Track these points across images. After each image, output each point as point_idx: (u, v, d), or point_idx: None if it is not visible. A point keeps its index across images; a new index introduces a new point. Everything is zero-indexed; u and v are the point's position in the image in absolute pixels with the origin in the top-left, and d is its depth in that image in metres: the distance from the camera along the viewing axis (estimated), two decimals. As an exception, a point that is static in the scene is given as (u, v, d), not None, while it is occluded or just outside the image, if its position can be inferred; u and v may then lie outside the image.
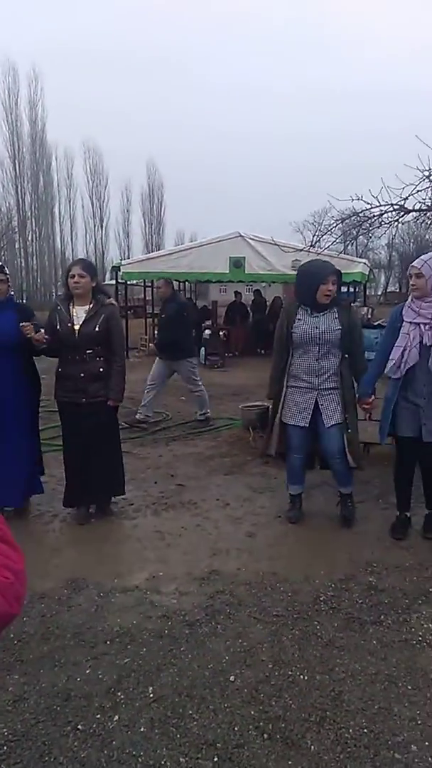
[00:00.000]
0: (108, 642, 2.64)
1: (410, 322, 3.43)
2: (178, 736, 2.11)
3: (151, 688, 2.35)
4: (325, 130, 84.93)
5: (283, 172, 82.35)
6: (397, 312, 3.57)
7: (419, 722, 2.16)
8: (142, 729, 2.14)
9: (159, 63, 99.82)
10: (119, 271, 12.95)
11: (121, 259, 15.21)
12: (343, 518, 3.91)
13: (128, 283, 14.50)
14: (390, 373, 3.48)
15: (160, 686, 2.36)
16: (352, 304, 4.30)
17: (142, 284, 17.43)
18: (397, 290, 36.51)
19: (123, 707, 2.25)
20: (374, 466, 4.61)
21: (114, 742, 2.08)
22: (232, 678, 2.40)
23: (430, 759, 2.00)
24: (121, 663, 2.50)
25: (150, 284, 17.86)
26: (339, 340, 3.65)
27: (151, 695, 2.31)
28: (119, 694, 2.32)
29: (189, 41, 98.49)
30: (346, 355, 3.72)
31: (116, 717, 2.20)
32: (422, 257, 3.47)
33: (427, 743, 2.07)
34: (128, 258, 19.61)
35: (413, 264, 3.45)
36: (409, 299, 3.54)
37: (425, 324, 3.38)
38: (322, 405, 3.69)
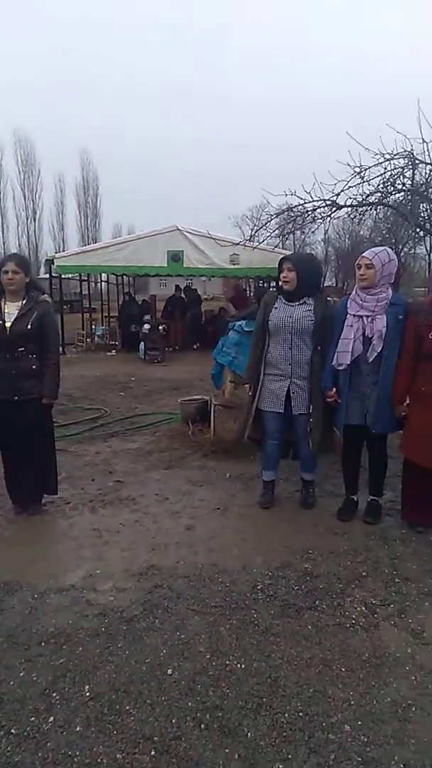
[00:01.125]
0: (42, 643, 2.58)
1: (354, 315, 3.53)
2: (115, 732, 2.09)
3: (87, 687, 2.31)
4: (263, 129, 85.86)
5: (221, 167, 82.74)
6: (342, 305, 3.68)
7: (352, 703, 2.22)
8: (78, 728, 2.11)
9: (96, 53, 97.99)
10: (53, 264, 12.64)
11: (55, 252, 14.79)
12: (302, 504, 4.08)
13: (63, 276, 14.16)
14: (337, 366, 3.59)
15: (96, 684, 2.33)
16: (327, 298, 4.36)
17: (78, 278, 17.10)
18: (333, 284, 37.29)
19: (58, 708, 2.21)
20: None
21: (49, 744, 2.04)
22: (169, 671, 2.40)
23: (362, 738, 2.06)
24: (56, 663, 2.45)
25: (86, 278, 17.58)
26: (311, 330, 3.72)
27: (88, 694, 2.28)
28: (54, 695, 2.27)
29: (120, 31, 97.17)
30: (319, 347, 3.77)
31: (51, 718, 2.15)
32: (373, 249, 3.58)
33: (359, 722, 2.13)
34: (64, 251, 19.25)
35: (364, 255, 3.54)
36: (354, 291, 3.64)
37: (368, 316, 3.49)
38: (293, 393, 3.81)
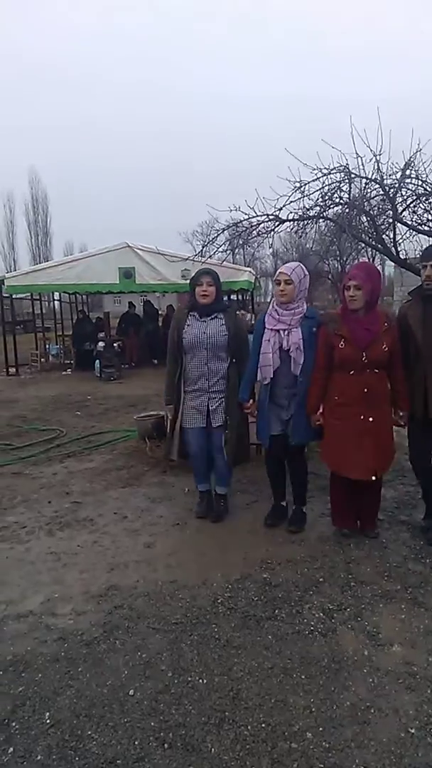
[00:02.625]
0: (0, 672, 2.53)
1: (271, 329, 3.64)
2: (77, 759, 2.06)
3: (47, 714, 2.28)
4: (209, 140, 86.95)
5: (173, 181, 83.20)
6: (261, 320, 3.76)
7: (313, 710, 2.26)
8: (39, 757, 2.07)
9: (41, 69, 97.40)
10: (3, 284, 12.45)
11: (6, 272, 14.57)
12: (213, 516, 4.13)
13: (14, 297, 13.94)
14: (262, 380, 3.70)
15: (57, 711, 2.29)
16: (237, 312, 4.43)
17: (30, 298, 16.86)
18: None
19: (18, 738, 2.17)
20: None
21: (9, 776, 2.00)
22: (131, 692, 2.38)
23: (324, 744, 2.09)
24: (15, 692, 2.40)
25: (38, 297, 17.36)
26: (226, 344, 3.80)
27: (48, 721, 2.24)
28: (13, 724, 2.23)
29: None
30: (234, 360, 3.87)
31: (11, 749, 2.11)
32: (289, 265, 3.66)
33: (321, 729, 2.17)
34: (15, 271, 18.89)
35: (281, 270, 3.62)
36: (271, 306, 3.73)
37: (284, 330, 3.60)
38: (212, 407, 3.89)
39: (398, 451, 3.84)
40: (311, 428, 3.68)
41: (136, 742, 2.12)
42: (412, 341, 3.48)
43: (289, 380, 3.65)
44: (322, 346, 3.54)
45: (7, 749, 2.11)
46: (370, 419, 3.43)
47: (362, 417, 3.44)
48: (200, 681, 2.43)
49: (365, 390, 3.42)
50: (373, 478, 3.53)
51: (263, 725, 2.19)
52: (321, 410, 3.61)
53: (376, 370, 3.44)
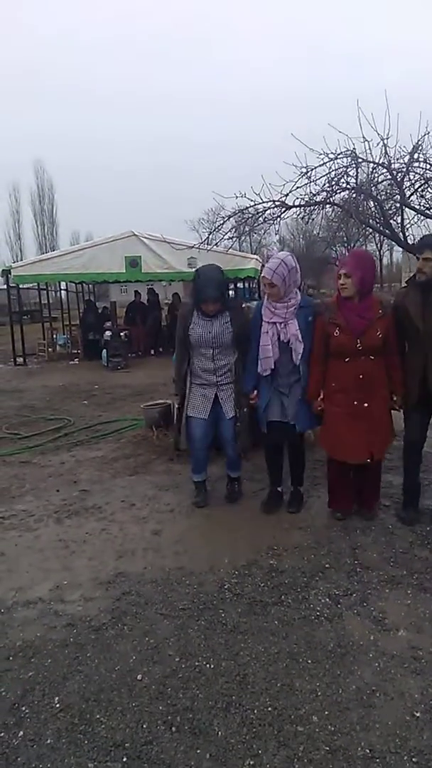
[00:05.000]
0: (10, 658, 2.56)
1: (268, 322, 3.68)
2: (86, 742, 2.09)
3: (57, 699, 2.31)
4: (215, 132, 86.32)
5: (177, 173, 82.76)
6: (258, 310, 3.80)
7: (319, 693, 2.28)
8: (48, 741, 2.10)
9: (46, 66, 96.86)
10: (10, 275, 12.46)
11: (13, 262, 14.58)
12: (228, 497, 4.27)
13: (21, 287, 13.96)
14: (262, 372, 3.73)
15: (66, 695, 2.33)
16: (243, 305, 4.45)
17: (37, 288, 16.87)
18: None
19: (28, 722, 2.20)
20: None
21: (19, 759, 2.03)
22: (139, 677, 2.41)
23: (329, 727, 2.11)
24: (25, 677, 2.44)
25: (45, 287, 17.37)
26: (231, 341, 3.85)
27: (58, 705, 2.28)
28: (23, 708, 2.26)
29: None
30: (240, 354, 3.91)
31: (21, 733, 2.14)
32: (269, 267, 3.65)
33: (326, 712, 2.18)
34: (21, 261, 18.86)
35: (263, 275, 3.67)
36: (265, 299, 3.76)
37: (280, 323, 3.65)
38: (222, 399, 3.94)
39: (400, 436, 3.84)
40: (314, 415, 3.75)
41: (144, 726, 2.15)
42: (411, 328, 3.50)
43: (290, 369, 3.72)
44: (319, 334, 3.59)
45: (17, 733, 2.14)
46: (365, 404, 3.50)
47: (357, 403, 3.51)
48: (207, 666, 2.45)
49: (360, 376, 3.48)
50: (368, 461, 3.61)
51: (269, 709, 2.21)
52: (321, 396, 3.66)
53: (371, 357, 3.48)
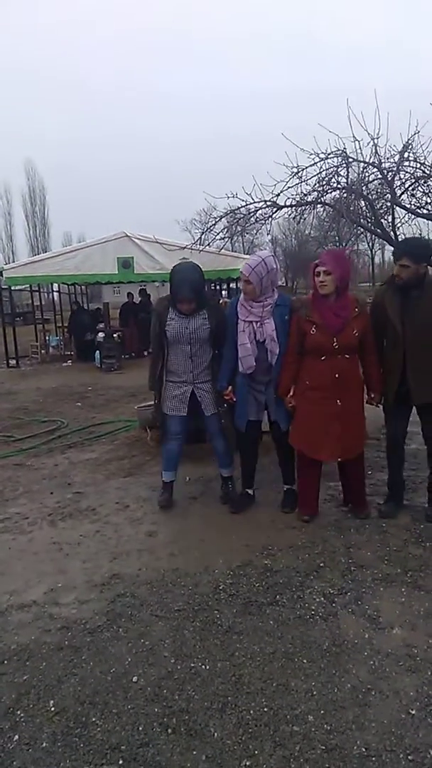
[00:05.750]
0: (5, 661, 2.55)
1: (244, 320, 3.68)
2: (82, 745, 2.08)
3: (51, 702, 2.30)
4: (209, 134, 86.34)
5: (168, 173, 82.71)
6: (233, 306, 3.80)
7: (314, 693, 2.28)
8: (44, 744, 2.10)
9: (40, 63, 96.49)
10: (2, 276, 12.41)
11: (4, 264, 14.53)
12: (222, 498, 4.23)
13: (13, 288, 13.91)
14: (244, 371, 3.73)
15: (61, 698, 2.32)
16: (220, 301, 4.47)
17: (29, 289, 16.81)
18: (284, 284, 37.88)
19: (23, 725, 2.19)
20: (269, 453, 4.74)
21: (15, 763, 2.02)
22: (134, 678, 2.40)
23: (325, 726, 2.11)
24: (20, 681, 2.43)
25: (37, 289, 17.31)
26: (208, 338, 3.84)
27: (53, 709, 2.27)
28: (18, 712, 2.25)
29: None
30: (217, 351, 3.92)
31: (16, 737, 2.13)
32: (249, 263, 3.65)
33: (322, 711, 2.18)
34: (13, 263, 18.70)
35: (242, 271, 3.67)
36: (241, 297, 3.76)
37: (257, 322, 3.65)
38: (200, 397, 3.95)
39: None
40: (289, 412, 3.77)
41: (140, 728, 2.14)
42: (390, 329, 3.53)
43: (265, 368, 3.73)
44: (294, 331, 3.60)
45: (12, 737, 2.13)
46: (339, 402, 3.52)
47: (332, 401, 3.52)
48: (203, 667, 2.45)
49: (336, 375, 3.49)
50: (339, 459, 3.65)
51: (265, 709, 2.21)
52: (292, 393, 3.67)
53: (347, 356, 3.50)
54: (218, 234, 6.89)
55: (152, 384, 4.09)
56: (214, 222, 6.58)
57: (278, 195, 5.60)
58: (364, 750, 2.00)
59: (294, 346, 3.61)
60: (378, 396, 3.68)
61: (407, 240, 3.87)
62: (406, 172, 5.65)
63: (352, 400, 3.57)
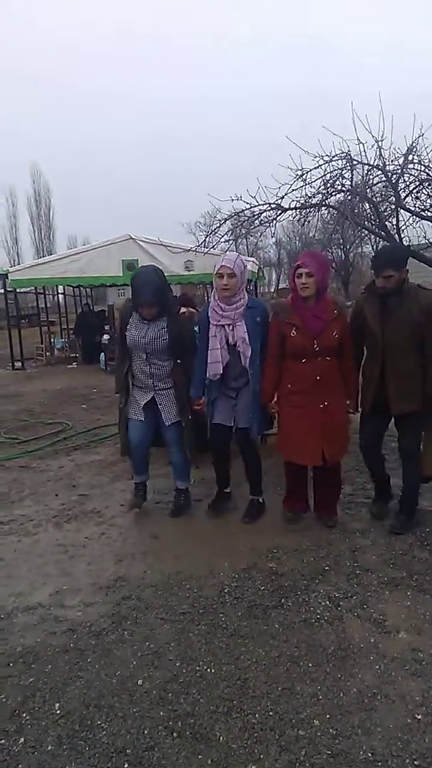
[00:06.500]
0: (10, 664, 2.56)
1: (216, 325, 3.62)
2: (87, 748, 2.09)
3: (57, 705, 2.30)
4: (211, 135, 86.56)
5: (173, 175, 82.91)
6: (204, 313, 3.73)
7: (320, 697, 2.27)
8: (49, 747, 2.10)
9: (41, 69, 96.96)
10: (7, 278, 12.46)
11: (10, 266, 14.58)
12: (172, 511, 4.14)
13: (19, 290, 13.96)
14: (212, 377, 3.68)
15: (66, 701, 2.32)
16: (182, 311, 4.41)
17: (34, 291, 16.87)
18: (288, 287, 37.92)
19: (29, 728, 2.19)
20: (272, 456, 4.74)
21: (20, 766, 2.03)
22: (140, 682, 2.41)
23: (331, 731, 2.11)
24: (26, 683, 2.43)
25: (42, 291, 17.36)
26: (165, 348, 3.72)
27: (58, 711, 2.27)
28: (24, 715, 2.26)
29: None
30: (178, 360, 3.79)
31: (21, 739, 2.14)
32: (228, 257, 3.60)
33: (328, 716, 2.18)
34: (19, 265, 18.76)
35: (223, 264, 3.54)
36: (213, 300, 3.70)
37: (228, 325, 3.59)
38: (160, 404, 3.85)
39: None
40: (264, 418, 3.76)
41: (146, 732, 2.14)
42: (370, 337, 3.53)
43: (238, 372, 3.68)
44: (274, 335, 3.56)
45: (18, 740, 2.13)
46: (321, 406, 3.50)
47: (315, 404, 3.50)
48: (208, 670, 2.45)
49: (318, 378, 3.47)
50: (322, 463, 3.58)
51: (271, 713, 2.20)
52: (275, 399, 3.65)
53: (328, 358, 3.49)
54: (222, 236, 6.91)
55: (118, 388, 3.98)
56: (218, 224, 6.60)
57: (283, 197, 5.62)
58: (370, 755, 1.99)
59: (275, 350, 3.57)
60: (354, 403, 3.66)
61: (383, 252, 3.79)
62: (411, 174, 5.65)
63: (334, 402, 3.53)
